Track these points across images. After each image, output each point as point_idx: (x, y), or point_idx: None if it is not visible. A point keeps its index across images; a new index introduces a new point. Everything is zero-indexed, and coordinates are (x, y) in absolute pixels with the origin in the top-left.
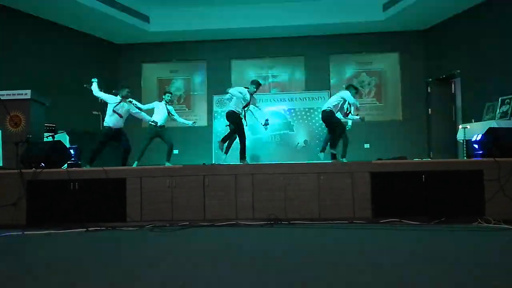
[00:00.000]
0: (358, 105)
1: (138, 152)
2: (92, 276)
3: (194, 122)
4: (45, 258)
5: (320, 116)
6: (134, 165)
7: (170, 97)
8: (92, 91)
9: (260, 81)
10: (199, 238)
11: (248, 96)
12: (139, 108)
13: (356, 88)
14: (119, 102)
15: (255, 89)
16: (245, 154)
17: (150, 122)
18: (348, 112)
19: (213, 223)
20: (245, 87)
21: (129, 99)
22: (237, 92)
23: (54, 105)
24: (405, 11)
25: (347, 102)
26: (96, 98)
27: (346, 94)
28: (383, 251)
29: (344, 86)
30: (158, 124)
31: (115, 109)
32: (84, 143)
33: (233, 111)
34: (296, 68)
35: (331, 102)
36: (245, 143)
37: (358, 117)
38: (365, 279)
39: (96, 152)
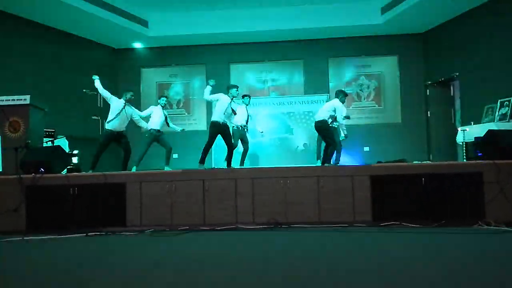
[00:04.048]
0: (343, 121)
1: (137, 157)
2: (92, 281)
3: (183, 129)
4: (45, 264)
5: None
6: (133, 170)
7: (166, 101)
8: (97, 88)
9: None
10: (199, 243)
11: (226, 102)
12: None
13: (345, 94)
14: (124, 107)
15: (237, 92)
16: (231, 159)
17: (149, 130)
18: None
19: (213, 227)
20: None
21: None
22: (215, 98)
23: (53, 110)
24: (403, 14)
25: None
26: (97, 102)
27: (337, 105)
28: (383, 254)
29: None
30: (156, 129)
31: (120, 113)
32: (83, 148)
33: (212, 122)
34: (295, 72)
35: (323, 111)
36: (232, 151)
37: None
38: (365, 282)
39: (97, 156)
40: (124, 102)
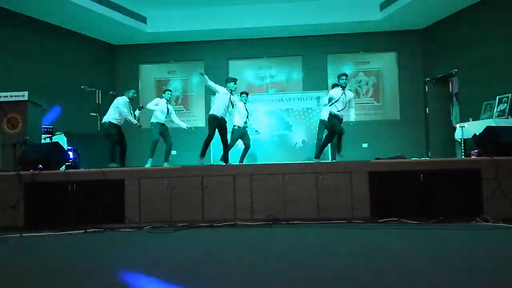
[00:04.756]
0: (325, 103)
1: (149, 151)
2: (90, 278)
3: (191, 127)
4: (44, 260)
5: (320, 116)
6: (149, 165)
7: (170, 95)
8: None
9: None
10: (198, 239)
11: (220, 91)
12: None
13: (345, 75)
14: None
15: (232, 85)
16: (227, 156)
17: (135, 124)
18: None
19: (212, 224)
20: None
21: (141, 106)
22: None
23: (51, 106)
24: (402, 10)
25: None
26: (95, 98)
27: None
28: (382, 250)
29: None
30: (160, 122)
31: (128, 112)
32: (81, 145)
33: (212, 115)
34: (294, 68)
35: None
36: (227, 148)
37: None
38: (363, 279)
39: (113, 150)
40: (128, 101)
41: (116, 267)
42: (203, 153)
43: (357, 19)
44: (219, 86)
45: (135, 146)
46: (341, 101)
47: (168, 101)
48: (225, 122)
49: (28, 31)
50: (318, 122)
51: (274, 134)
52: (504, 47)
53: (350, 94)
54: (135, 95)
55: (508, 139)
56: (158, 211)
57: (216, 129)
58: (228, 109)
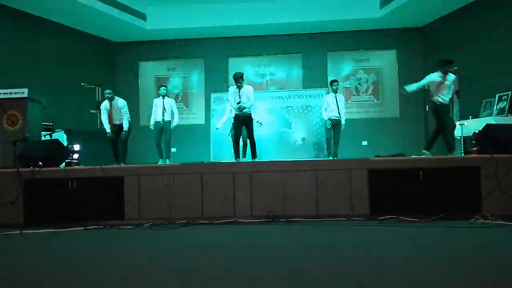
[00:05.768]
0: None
1: (156, 152)
2: (90, 275)
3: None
4: (44, 257)
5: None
6: (166, 162)
7: (165, 90)
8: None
9: (239, 73)
10: (197, 236)
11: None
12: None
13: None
14: (109, 104)
15: (235, 82)
16: (244, 151)
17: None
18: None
19: (212, 221)
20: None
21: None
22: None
23: (51, 103)
24: (402, 8)
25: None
26: (95, 96)
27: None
28: (381, 247)
29: (342, 84)
30: (158, 120)
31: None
32: (81, 142)
33: (234, 114)
34: (294, 66)
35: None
36: (236, 142)
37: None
38: (362, 276)
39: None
40: (106, 102)
41: (115, 264)
42: (235, 153)
43: (357, 17)
44: (228, 98)
45: (134, 144)
46: (446, 87)
47: (164, 96)
48: (249, 118)
49: (28, 28)
50: (323, 121)
51: (273, 132)
52: (504, 45)
53: (452, 77)
54: (108, 94)
55: (508, 137)
56: (158, 208)
57: (243, 127)
58: (249, 100)
